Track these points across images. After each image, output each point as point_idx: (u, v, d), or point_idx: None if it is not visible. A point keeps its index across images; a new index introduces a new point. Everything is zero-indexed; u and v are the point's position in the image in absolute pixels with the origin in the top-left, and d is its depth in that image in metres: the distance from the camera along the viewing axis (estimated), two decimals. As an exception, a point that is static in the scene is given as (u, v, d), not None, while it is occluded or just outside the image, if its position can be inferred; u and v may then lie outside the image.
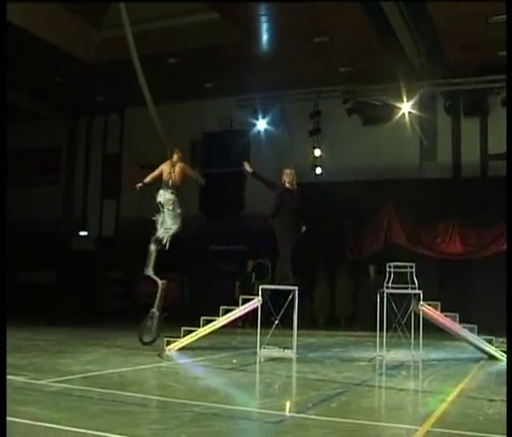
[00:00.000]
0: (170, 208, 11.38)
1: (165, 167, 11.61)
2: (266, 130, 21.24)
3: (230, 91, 20.94)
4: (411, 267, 10.47)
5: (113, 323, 18.07)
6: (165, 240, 11.45)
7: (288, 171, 10.94)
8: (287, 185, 10.89)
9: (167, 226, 11.41)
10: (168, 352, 10.33)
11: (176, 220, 11.41)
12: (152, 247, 11.52)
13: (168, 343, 10.58)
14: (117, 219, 24.51)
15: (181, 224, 11.45)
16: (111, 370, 7.98)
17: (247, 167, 11.17)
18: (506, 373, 8.29)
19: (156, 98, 18.15)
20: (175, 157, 11.65)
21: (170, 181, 11.44)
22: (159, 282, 11.53)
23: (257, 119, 21.23)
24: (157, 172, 11.68)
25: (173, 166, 11.55)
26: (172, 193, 11.42)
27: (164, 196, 11.40)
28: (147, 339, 11.09)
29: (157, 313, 11.21)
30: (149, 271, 11.59)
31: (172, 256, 21.37)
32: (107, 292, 23.07)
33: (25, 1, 15.19)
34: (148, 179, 11.70)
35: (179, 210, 11.44)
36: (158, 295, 11.50)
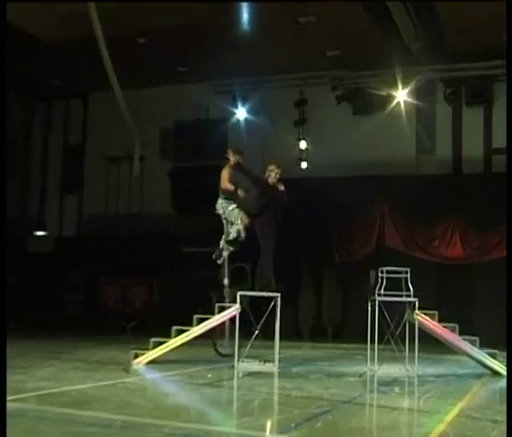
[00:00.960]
0: (221, 211, 11.61)
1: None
2: (246, 119, 21.21)
3: (207, 76, 20.88)
4: (406, 272, 10.51)
5: (74, 333, 17.95)
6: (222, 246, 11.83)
7: (274, 169, 11.02)
8: (271, 181, 10.99)
9: (226, 231, 11.71)
10: (135, 366, 10.26)
11: (229, 225, 11.56)
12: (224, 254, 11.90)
13: (136, 356, 10.51)
14: (79, 217, 24.36)
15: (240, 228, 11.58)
16: (70, 387, 7.92)
17: (231, 156, 11.24)
18: (507, 379, 8.36)
19: (123, 83, 18.14)
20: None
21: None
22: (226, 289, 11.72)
23: (236, 107, 21.19)
24: None
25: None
26: (220, 197, 11.62)
27: (218, 201, 11.70)
28: (224, 350, 11.08)
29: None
30: (226, 281, 11.93)
31: (142, 258, 21.40)
32: (67, 298, 22.92)
33: (25, 1, 15.56)
34: None
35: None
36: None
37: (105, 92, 19.01)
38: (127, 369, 9.95)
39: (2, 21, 6.79)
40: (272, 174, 11.03)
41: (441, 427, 6.03)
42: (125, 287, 22.51)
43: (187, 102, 22.09)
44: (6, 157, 6.05)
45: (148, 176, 22.43)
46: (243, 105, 21.15)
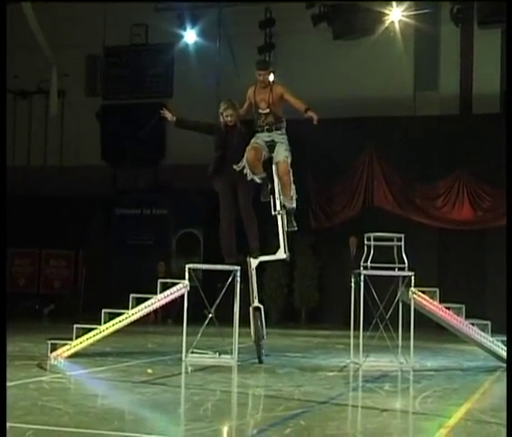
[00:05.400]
0: None
1: None
2: (196, 45, 21.09)
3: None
4: (399, 239, 10.58)
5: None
6: None
7: (223, 110, 10.96)
8: (229, 121, 10.92)
9: None
10: (53, 361, 10.22)
11: None
12: None
13: (54, 348, 10.46)
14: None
15: None
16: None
17: (167, 114, 11.13)
18: (507, 371, 8.49)
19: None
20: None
21: None
22: None
23: (184, 29, 21.05)
24: None
25: None
26: None
27: None
28: None
29: None
30: None
31: (63, 223, 21.23)
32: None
33: (25, 1, 17.76)
34: None
35: None
36: None
37: (9, 5, 18.66)
38: (42, 364, 9.91)
39: (2, 21, 8.13)
40: (222, 113, 10.96)
41: (443, 433, 6.09)
42: (40, 260, 22.37)
43: (120, 21, 21.88)
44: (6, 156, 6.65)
45: (69, 117, 22.24)
46: (193, 26, 21.01)
